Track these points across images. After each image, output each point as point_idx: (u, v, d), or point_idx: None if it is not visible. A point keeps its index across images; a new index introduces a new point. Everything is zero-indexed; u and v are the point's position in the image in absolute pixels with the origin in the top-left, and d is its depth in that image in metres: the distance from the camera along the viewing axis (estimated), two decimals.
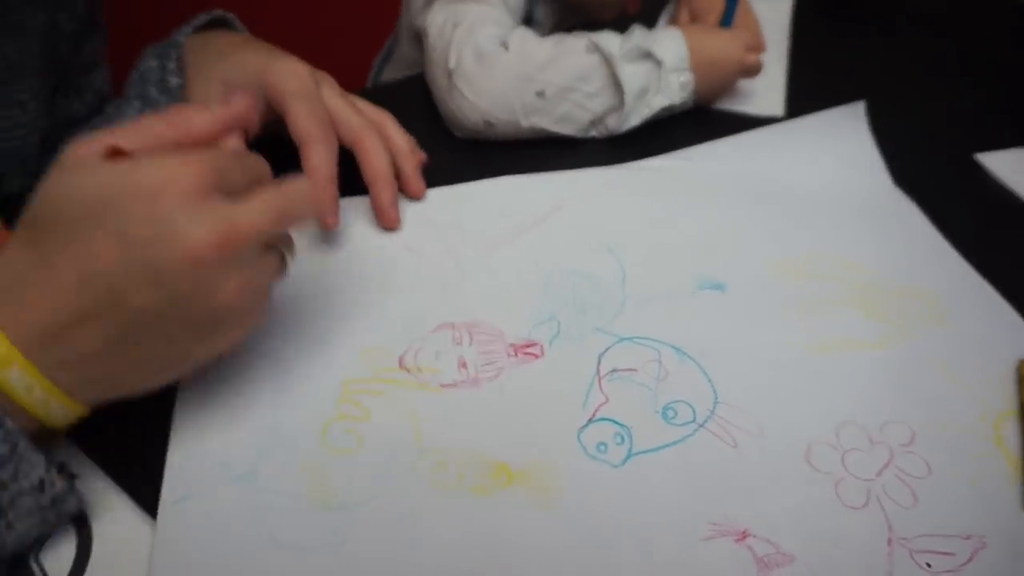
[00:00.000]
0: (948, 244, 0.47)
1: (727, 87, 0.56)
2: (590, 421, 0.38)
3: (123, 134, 0.32)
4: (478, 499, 0.35)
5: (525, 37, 0.52)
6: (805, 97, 0.57)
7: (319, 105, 0.43)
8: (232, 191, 0.31)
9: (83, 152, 0.31)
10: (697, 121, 0.55)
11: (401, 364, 0.40)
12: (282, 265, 0.35)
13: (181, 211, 0.29)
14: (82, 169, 0.30)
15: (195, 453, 0.35)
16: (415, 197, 0.48)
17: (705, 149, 0.53)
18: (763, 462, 0.37)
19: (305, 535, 0.33)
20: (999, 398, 0.39)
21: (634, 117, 0.52)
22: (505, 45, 0.51)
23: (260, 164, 0.34)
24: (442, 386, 0.39)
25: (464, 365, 0.40)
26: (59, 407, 0.31)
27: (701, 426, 0.38)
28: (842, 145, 0.54)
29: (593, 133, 0.53)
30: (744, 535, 0.34)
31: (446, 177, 0.50)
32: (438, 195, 0.49)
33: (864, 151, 0.53)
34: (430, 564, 0.33)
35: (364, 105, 0.48)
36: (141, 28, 0.52)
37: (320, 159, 0.42)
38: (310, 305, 0.42)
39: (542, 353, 0.41)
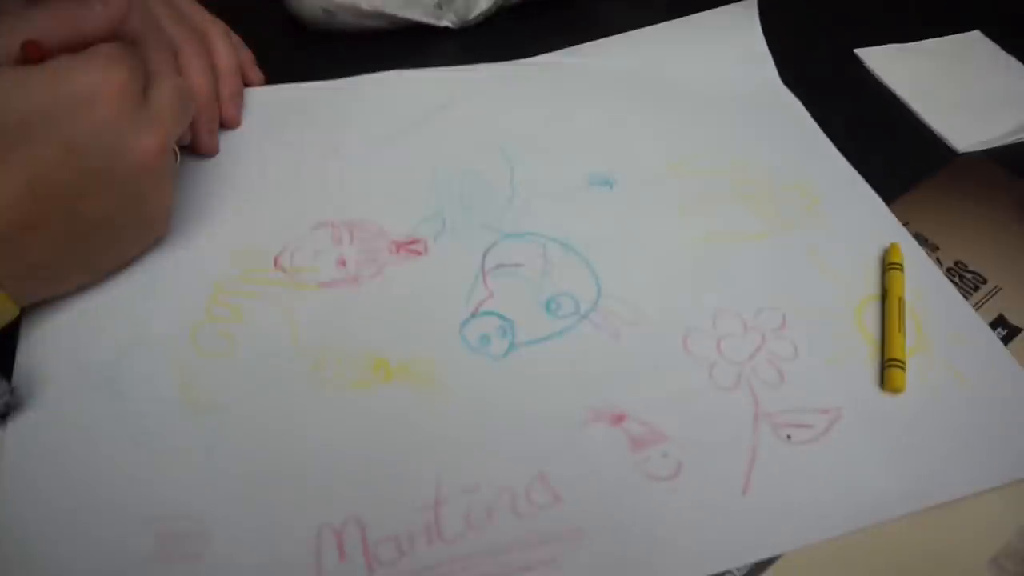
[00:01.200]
0: (828, 140, 0.48)
1: None
2: (473, 315, 0.38)
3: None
4: (357, 395, 0.34)
5: None
6: None
7: (143, 11, 0.38)
8: (145, 85, 0.33)
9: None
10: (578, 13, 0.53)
11: (276, 264, 0.38)
12: None
13: (123, 119, 0.31)
14: (9, 77, 0.30)
15: (48, 353, 0.33)
16: (226, 126, 0.44)
17: (598, 46, 0.52)
18: (643, 351, 0.37)
19: (172, 439, 0.32)
20: (863, 285, 0.41)
21: None
22: None
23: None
24: (320, 285, 0.38)
25: (343, 263, 0.39)
26: None
27: (584, 317, 0.38)
28: (735, 43, 0.53)
29: (446, 22, 0.50)
30: (621, 418, 0.35)
31: (294, 74, 0.47)
32: (319, 89, 0.46)
33: (755, 49, 0.53)
34: (308, 461, 0.32)
35: (194, 10, 0.43)
36: None
37: None
38: (179, 205, 0.39)
39: (425, 250, 0.40)
